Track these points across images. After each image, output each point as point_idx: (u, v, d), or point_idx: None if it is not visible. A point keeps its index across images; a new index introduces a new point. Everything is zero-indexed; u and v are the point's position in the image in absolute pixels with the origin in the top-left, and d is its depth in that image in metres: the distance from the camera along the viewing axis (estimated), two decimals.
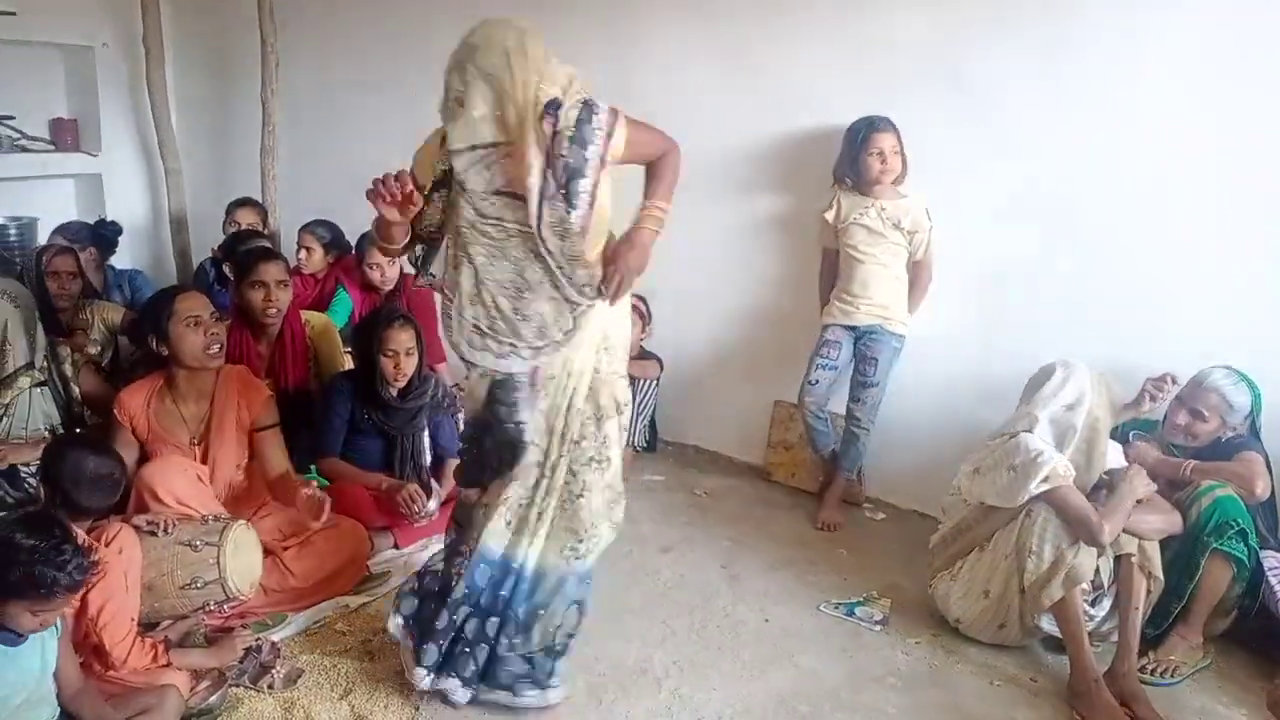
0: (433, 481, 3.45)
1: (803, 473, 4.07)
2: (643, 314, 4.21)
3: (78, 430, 3.29)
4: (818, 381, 3.75)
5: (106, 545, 2.37)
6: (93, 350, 3.77)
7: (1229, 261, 3.12)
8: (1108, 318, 3.34)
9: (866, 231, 3.61)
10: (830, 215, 3.66)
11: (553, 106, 2.20)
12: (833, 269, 3.78)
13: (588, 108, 2.24)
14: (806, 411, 3.78)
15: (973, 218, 3.56)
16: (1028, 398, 2.93)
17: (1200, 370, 3.01)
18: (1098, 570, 2.75)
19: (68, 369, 3.32)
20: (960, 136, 3.54)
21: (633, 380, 4.14)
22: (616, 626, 2.91)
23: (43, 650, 2.06)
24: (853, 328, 3.70)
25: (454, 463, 3.60)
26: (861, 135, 3.54)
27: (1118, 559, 2.75)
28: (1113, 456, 2.88)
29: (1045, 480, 2.71)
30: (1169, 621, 2.86)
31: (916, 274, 3.69)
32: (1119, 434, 3.07)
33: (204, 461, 3.02)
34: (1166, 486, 2.87)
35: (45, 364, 3.24)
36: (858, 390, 3.71)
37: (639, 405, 4.09)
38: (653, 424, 4.33)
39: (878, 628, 3.00)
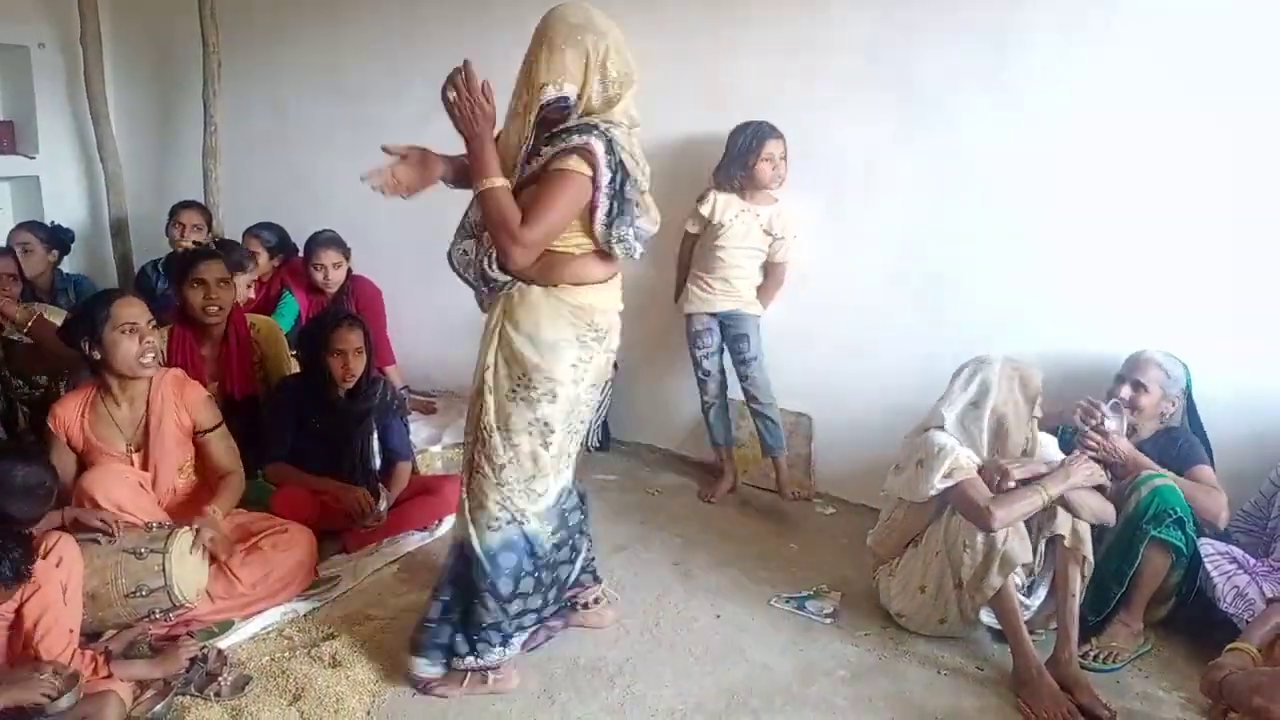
0: (381, 486, 3.41)
1: (753, 469, 4.10)
2: None
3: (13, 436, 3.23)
4: (710, 371, 3.89)
5: (44, 556, 2.31)
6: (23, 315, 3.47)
7: (1171, 256, 3.18)
8: (1051, 313, 3.41)
9: (739, 234, 3.70)
10: (705, 210, 3.72)
11: None
12: (690, 252, 3.88)
13: None
14: (712, 400, 3.90)
15: (918, 215, 3.61)
16: (945, 394, 2.96)
17: (1135, 351, 3.09)
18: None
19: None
20: (906, 135, 3.59)
21: None
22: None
23: None
24: (714, 314, 3.82)
25: (405, 466, 3.59)
26: (754, 140, 3.60)
27: (1049, 541, 2.77)
28: (1049, 449, 2.91)
29: (948, 476, 2.76)
30: (1110, 608, 2.91)
31: (772, 272, 3.81)
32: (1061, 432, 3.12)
33: (144, 468, 2.97)
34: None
35: None
36: (741, 369, 3.83)
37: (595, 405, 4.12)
38: (605, 424, 4.33)
39: (828, 621, 3.03)
